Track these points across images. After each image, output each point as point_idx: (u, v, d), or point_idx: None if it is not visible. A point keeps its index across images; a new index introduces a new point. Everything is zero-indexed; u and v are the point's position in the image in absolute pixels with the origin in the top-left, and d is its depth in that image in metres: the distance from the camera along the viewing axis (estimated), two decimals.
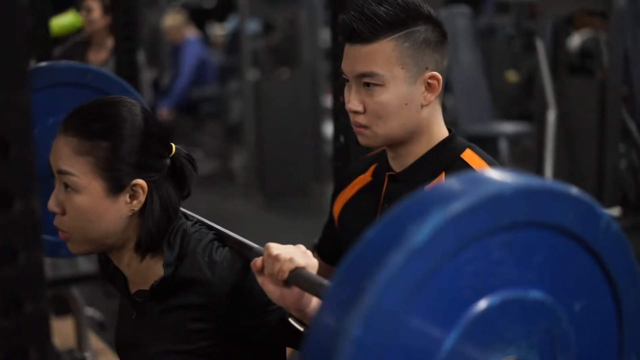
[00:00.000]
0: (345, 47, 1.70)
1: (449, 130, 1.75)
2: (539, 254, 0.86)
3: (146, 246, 1.55)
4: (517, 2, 7.69)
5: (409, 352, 0.80)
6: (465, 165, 1.69)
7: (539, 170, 5.03)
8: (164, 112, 7.70)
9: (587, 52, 5.48)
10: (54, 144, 1.54)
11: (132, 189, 1.51)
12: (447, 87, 5.66)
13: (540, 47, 5.26)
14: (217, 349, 1.52)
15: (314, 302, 1.36)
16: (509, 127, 5.74)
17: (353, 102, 1.67)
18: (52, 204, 1.52)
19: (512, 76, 7.31)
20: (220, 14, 9.15)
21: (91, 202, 1.50)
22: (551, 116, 5.22)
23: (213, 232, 1.59)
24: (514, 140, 6.01)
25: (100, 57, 4.95)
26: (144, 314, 1.60)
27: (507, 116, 6.47)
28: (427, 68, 1.66)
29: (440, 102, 1.74)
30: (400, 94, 1.65)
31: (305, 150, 7.06)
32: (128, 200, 1.52)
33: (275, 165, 7.03)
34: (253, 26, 7.49)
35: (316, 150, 7.16)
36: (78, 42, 5.01)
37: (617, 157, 5.06)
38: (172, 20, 8.08)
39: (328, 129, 7.23)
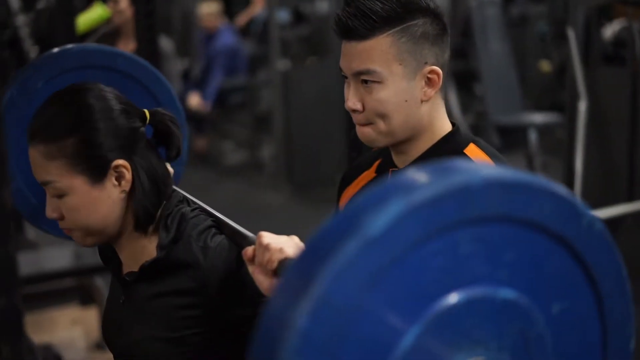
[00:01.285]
0: (342, 44, 1.66)
1: (453, 124, 1.71)
2: (512, 251, 0.81)
3: (144, 221, 1.54)
4: None
5: (364, 346, 0.75)
6: (469, 160, 1.64)
7: (569, 161, 4.95)
8: (194, 100, 7.71)
9: (620, 42, 5.37)
10: (29, 155, 1.54)
11: (115, 171, 1.50)
12: (477, 77, 5.62)
13: (572, 36, 5.17)
14: (201, 339, 1.50)
15: None
16: (538, 118, 5.65)
17: (352, 100, 1.63)
18: (49, 212, 1.53)
19: (545, 66, 7.21)
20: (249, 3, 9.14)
21: (81, 199, 1.50)
22: (582, 106, 5.12)
23: (212, 219, 1.56)
24: (544, 130, 5.92)
25: (129, 47, 4.95)
26: (132, 298, 1.58)
27: (540, 106, 6.38)
28: (426, 63, 1.62)
29: (442, 96, 1.69)
30: (400, 91, 1.61)
31: (334, 141, 7.01)
32: (115, 182, 1.51)
33: (303, 155, 7.01)
34: (283, 15, 7.45)
35: (344, 140, 7.10)
36: (107, 33, 5.01)
37: None
38: (208, 7, 8.06)
39: None
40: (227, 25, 8.26)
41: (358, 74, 1.62)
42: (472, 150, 1.67)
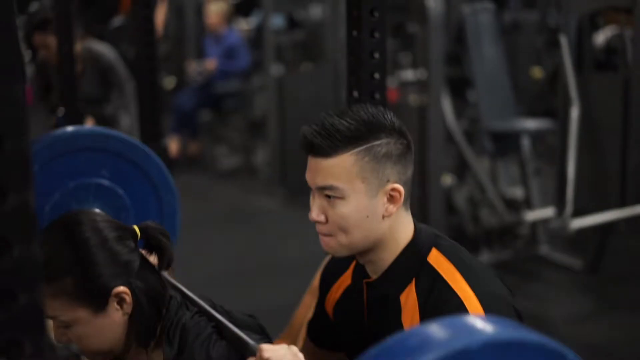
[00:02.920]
0: (308, 158, 1.71)
1: (415, 227, 1.74)
2: None
3: (146, 338, 1.60)
4: None
5: None
6: (433, 271, 1.68)
7: (562, 166, 4.99)
8: (211, 64, 7.76)
9: (612, 49, 5.42)
10: None
11: (116, 297, 1.56)
12: (470, 83, 5.64)
13: (564, 43, 5.21)
14: None
15: None
16: (531, 124, 5.68)
17: (315, 212, 1.67)
18: (57, 338, 1.58)
19: (537, 72, 7.26)
20: (245, 9, 9.15)
21: (87, 328, 1.56)
22: (574, 113, 5.17)
23: (212, 324, 1.60)
24: (537, 136, 5.96)
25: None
26: None
27: (532, 112, 6.42)
28: (388, 181, 1.66)
29: (407, 208, 1.73)
30: (361, 207, 1.64)
31: None
32: (117, 307, 1.57)
33: (297, 160, 7.00)
34: (277, 21, 7.48)
35: None
36: None
37: None
38: (216, 6, 8.02)
39: None
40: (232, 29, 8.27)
41: (322, 189, 1.66)
42: (434, 257, 1.70)
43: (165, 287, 1.64)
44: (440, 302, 1.63)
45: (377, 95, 2.44)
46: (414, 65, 6.28)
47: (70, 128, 2.10)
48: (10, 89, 0.94)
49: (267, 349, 1.40)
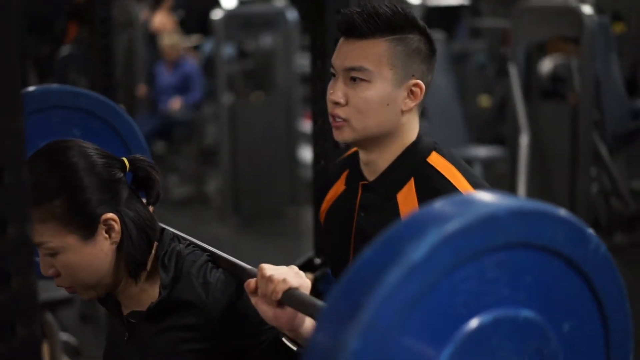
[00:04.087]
0: (340, 41, 1.76)
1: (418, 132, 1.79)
2: (530, 274, 0.88)
3: (135, 269, 1.57)
4: (490, 27, 7.78)
5: None
6: (431, 170, 1.73)
7: (512, 193, 5.06)
8: (176, 104, 7.75)
9: (558, 77, 5.55)
10: None
11: (104, 225, 1.53)
12: (422, 112, 5.72)
13: (514, 72, 5.32)
14: None
15: (308, 322, 1.38)
16: (482, 151, 5.79)
17: (337, 93, 1.72)
18: (44, 270, 1.54)
19: (484, 101, 7.39)
20: (188, 27, 9.16)
21: (74, 255, 1.52)
22: (524, 140, 5.27)
23: (207, 253, 1.60)
24: (487, 164, 6.06)
25: None
26: (136, 335, 1.61)
27: (480, 140, 6.53)
28: (413, 75, 1.72)
29: (419, 113, 1.78)
30: (384, 94, 1.70)
31: (281, 174, 7.08)
32: (106, 235, 1.54)
33: (250, 189, 7.03)
34: (228, 50, 7.51)
35: (291, 174, 7.17)
36: None
37: (588, 181, 5.12)
38: (170, 39, 8.04)
39: (303, 153, 7.25)
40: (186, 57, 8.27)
41: (349, 70, 1.71)
42: (434, 158, 1.75)
43: (154, 218, 1.60)
44: (442, 197, 1.65)
45: None
46: None
47: (39, 86, 2.05)
48: (10, 122, 0.95)
49: (268, 266, 1.38)
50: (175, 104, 7.85)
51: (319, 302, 1.27)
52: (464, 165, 1.76)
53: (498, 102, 6.74)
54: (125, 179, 1.58)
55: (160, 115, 7.99)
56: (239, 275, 1.51)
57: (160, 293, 1.55)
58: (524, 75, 5.48)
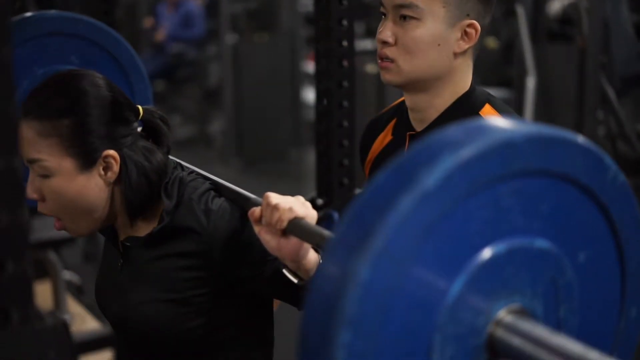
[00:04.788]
0: None
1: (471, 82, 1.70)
2: (547, 203, 0.85)
3: (132, 212, 1.55)
4: None
5: (415, 297, 0.79)
6: None
7: None
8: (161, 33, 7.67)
9: (567, 19, 5.47)
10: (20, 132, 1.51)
11: (104, 161, 1.50)
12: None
13: (521, 13, 5.25)
14: (206, 299, 1.52)
15: (311, 254, 1.36)
16: None
17: (385, 32, 1.63)
18: (30, 192, 1.51)
19: (491, 42, 7.30)
20: None
21: (66, 182, 1.49)
22: (530, 83, 5.22)
23: (209, 182, 1.57)
24: None
25: None
26: (131, 261, 1.59)
27: (487, 82, 6.47)
28: (468, 15, 1.61)
29: (473, 58, 1.69)
30: (435, 33, 1.60)
31: (284, 116, 7.04)
32: (102, 172, 1.51)
33: (253, 130, 7.00)
34: None
35: (295, 115, 7.13)
36: None
37: (595, 124, 5.08)
38: None
39: (307, 94, 7.20)
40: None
41: (399, 7, 1.61)
42: (487, 111, 1.66)
43: (166, 164, 1.57)
44: None
45: (345, 63, 2.44)
46: (368, 34, 6.28)
47: (36, 12, 1.99)
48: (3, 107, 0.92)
49: (274, 195, 1.34)
50: (160, 35, 7.76)
51: (326, 232, 1.24)
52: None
53: (505, 43, 6.66)
54: (136, 124, 1.55)
55: (163, 55, 7.93)
56: (242, 204, 1.47)
57: (162, 219, 1.53)
58: (532, 16, 5.39)
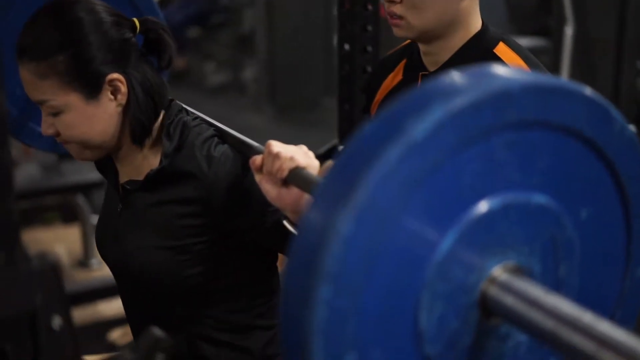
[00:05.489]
0: None
1: (482, 22, 1.68)
2: (546, 156, 0.81)
3: (140, 134, 1.52)
4: None
5: (403, 251, 0.75)
6: (499, 61, 1.61)
7: None
8: None
9: None
10: (20, 73, 1.49)
11: (110, 85, 1.47)
12: None
13: None
14: (205, 247, 1.50)
15: None
16: (524, 42, 5.62)
17: None
18: (44, 129, 1.50)
19: None
20: None
21: (77, 115, 1.47)
22: (569, 31, 5.10)
23: (214, 128, 1.54)
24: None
25: None
26: (130, 207, 1.57)
27: (524, 32, 6.34)
28: None
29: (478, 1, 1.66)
30: None
31: (318, 63, 6.97)
32: (111, 97, 1.48)
33: (286, 77, 6.95)
34: None
35: (328, 63, 7.06)
36: None
37: (634, 74, 4.97)
38: None
39: None
40: None
41: None
42: (502, 49, 1.63)
43: (164, 83, 1.55)
44: None
45: (369, 7, 2.39)
46: None
47: None
48: None
49: (276, 143, 1.31)
50: None
51: None
52: (533, 60, 1.64)
53: None
54: (135, 40, 1.52)
55: (196, 1, 7.88)
56: (245, 152, 1.45)
57: (161, 161, 1.50)
58: None
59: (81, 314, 3.39)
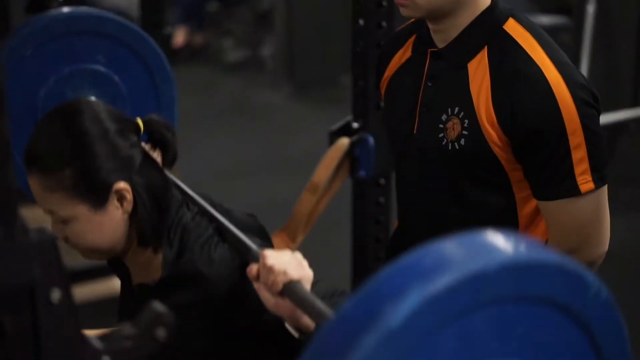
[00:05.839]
0: None
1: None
2: (522, 326, 0.83)
3: (148, 238, 1.55)
4: None
5: None
6: (507, 37, 1.60)
7: (575, 64, 4.88)
8: None
9: None
10: (28, 179, 1.52)
11: (116, 194, 1.50)
12: None
13: None
14: (206, 345, 1.53)
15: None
16: (544, 20, 5.56)
17: None
18: (54, 232, 1.52)
19: None
20: None
21: (85, 225, 1.50)
22: (590, 9, 5.05)
23: (213, 225, 1.56)
24: (551, 34, 5.82)
25: None
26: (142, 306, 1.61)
27: (545, 9, 6.27)
28: None
29: None
30: None
31: (337, 40, 6.92)
32: (117, 205, 1.51)
33: (305, 54, 6.92)
34: None
35: (347, 41, 7.01)
36: None
37: None
38: None
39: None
40: None
41: None
42: (511, 26, 1.62)
43: (168, 185, 1.58)
44: (515, 69, 1.57)
45: None
46: None
47: (65, 9, 2.01)
48: None
49: (270, 255, 1.34)
50: None
51: (318, 302, 1.23)
52: (545, 37, 1.62)
53: None
54: (139, 142, 1.55)
55: None
56: (243, 254, 1.47)
57: (163, 268, 1.53)
58: None
59: (97, 288, 3.41)
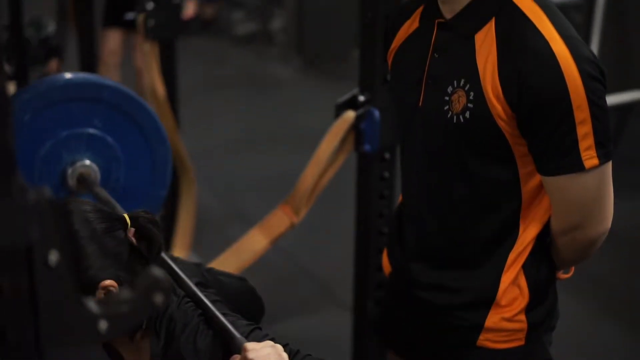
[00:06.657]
0: None
1: None
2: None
3: (134, 332, 1.59)
4: None
5: None
6: (515, 9, 1.58)
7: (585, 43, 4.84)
8: None
9: None
10: None
11: (102, 289, 1.54)
12: None
13: None
14: None
15: None
16: None
17: None
18: None
19: None
20: None
21: None
22: None
23: (199, 312, 1.61)
24: (562, 11, 5.77)
25: None
26: None
27: None
28: None
29: None
30: None
31: (347, 14, 6.88)
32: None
33: (315, 27, 6.88)
34: None
35: (358, 15, 6.97)
36: None
37: None
38: None
39: None
40: None
41: None
42: None
43: None
44: (523, 41, 1.55)
45: None
46: None
47: (63, 76, 2.10)
48: None
49: (251, 349, 1.41)
50: None
51: None
52: (554, 11, 1.60)
53: None
54: (126, 238, 1.60)
55: None
56: (227, 342, 1.54)
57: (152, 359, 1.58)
58: None
59: None
